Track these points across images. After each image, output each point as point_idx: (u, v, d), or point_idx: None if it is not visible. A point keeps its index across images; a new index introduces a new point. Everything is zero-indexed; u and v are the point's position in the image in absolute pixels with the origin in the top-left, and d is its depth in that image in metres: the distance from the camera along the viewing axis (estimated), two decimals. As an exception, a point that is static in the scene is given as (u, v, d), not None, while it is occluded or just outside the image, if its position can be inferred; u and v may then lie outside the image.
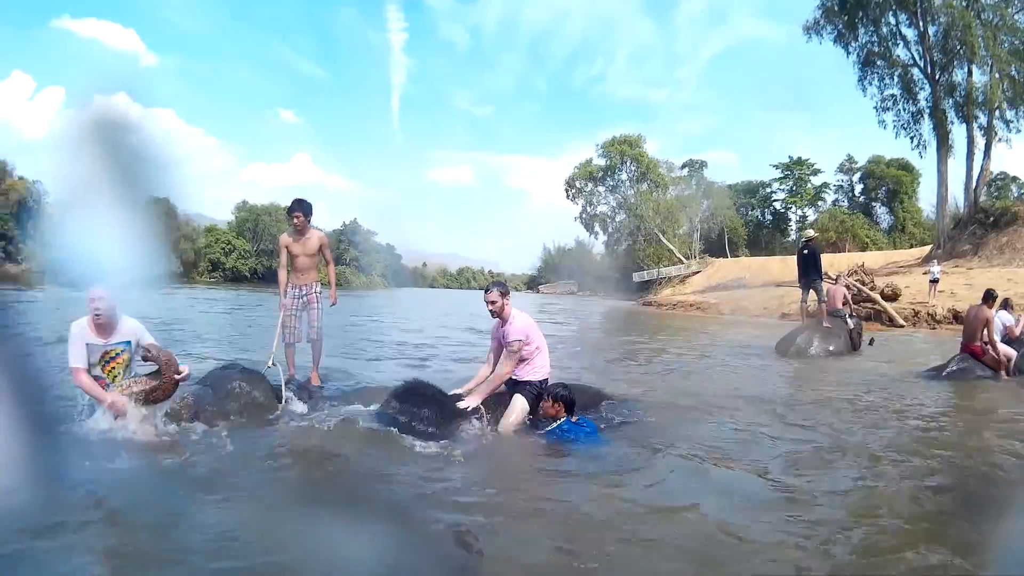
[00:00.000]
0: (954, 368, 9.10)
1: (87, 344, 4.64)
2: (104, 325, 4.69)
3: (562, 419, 5.16)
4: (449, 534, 3.23)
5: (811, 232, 14.64)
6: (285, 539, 3.04)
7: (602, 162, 64.55)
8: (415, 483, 3.99)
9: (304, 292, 7.02)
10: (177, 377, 4.69)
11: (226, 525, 3.19)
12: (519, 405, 5.40)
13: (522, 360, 5.58)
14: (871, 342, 13.41)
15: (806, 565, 2.99)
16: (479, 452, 4.81)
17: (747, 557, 3.06)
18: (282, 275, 7.03)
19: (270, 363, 6.21)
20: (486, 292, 5.61)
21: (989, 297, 9.47)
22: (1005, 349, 9.20)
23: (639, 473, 4.32)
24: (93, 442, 4.32)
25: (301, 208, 6.93)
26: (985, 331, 9.13)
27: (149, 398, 4.62)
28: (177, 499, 3.54)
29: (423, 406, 5.06)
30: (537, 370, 5.61)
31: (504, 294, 5.60)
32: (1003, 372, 9.08)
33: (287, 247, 6.97)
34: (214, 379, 5.42)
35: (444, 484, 3.96)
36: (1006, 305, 10.14)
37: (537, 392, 5.47)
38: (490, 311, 5.61)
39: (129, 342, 4.84)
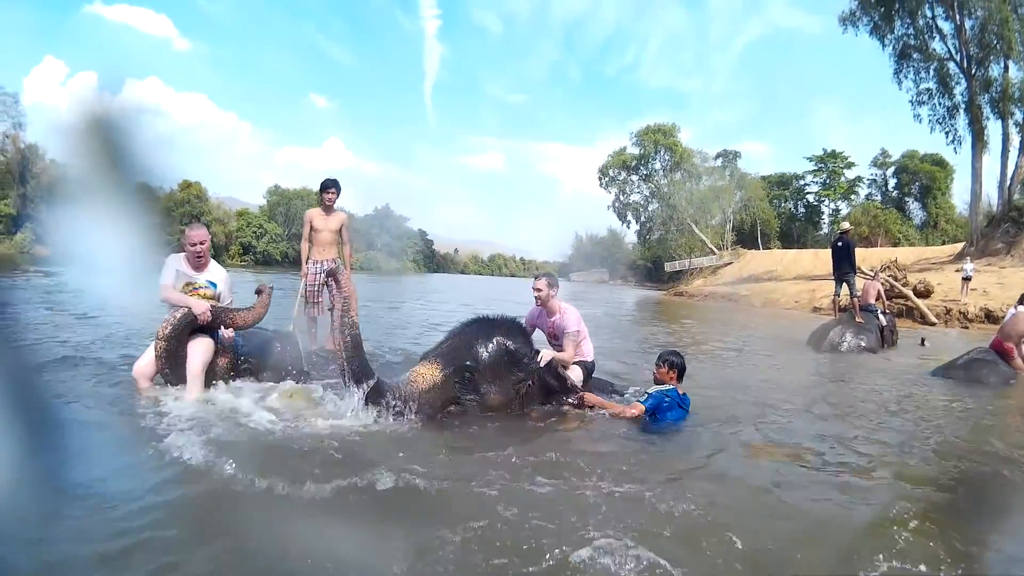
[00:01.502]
0: (974, 357, 8.74)
1: (177, 271, 5.20)
2: (198, 262, 5.30)
3: (671, 387, 5.36)
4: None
5: (846, 224, 14.77)
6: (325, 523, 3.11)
7: (636, 151, 64.75)
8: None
9: (325, 267, 7.48)
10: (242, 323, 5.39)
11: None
12: (575, 375, 5.76)
13: None
14: (923, 342, 13.51)
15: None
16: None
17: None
18: (304, 246, 7.63)
19: (291, 327, 6.95)
20: (535, 279, 6.02)
21: None
22: None
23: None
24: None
25: (336, 186, 7.67)
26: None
27: (224, 317, 5.25)
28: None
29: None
30: (585, 354, 6.05)
31: (552, 285, 5.94)
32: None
33: (311, 221, 7.63)
34: (261, 341, 5.87)
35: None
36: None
37: (586, 373, 5.95)
38: (535, 297, 5.96)
39: (215, 283, 5.38)
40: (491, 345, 5.18)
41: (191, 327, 5.08)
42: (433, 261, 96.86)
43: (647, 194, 65.96)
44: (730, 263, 55.57)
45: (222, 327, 5.30)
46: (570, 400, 5.43)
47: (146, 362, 5.10)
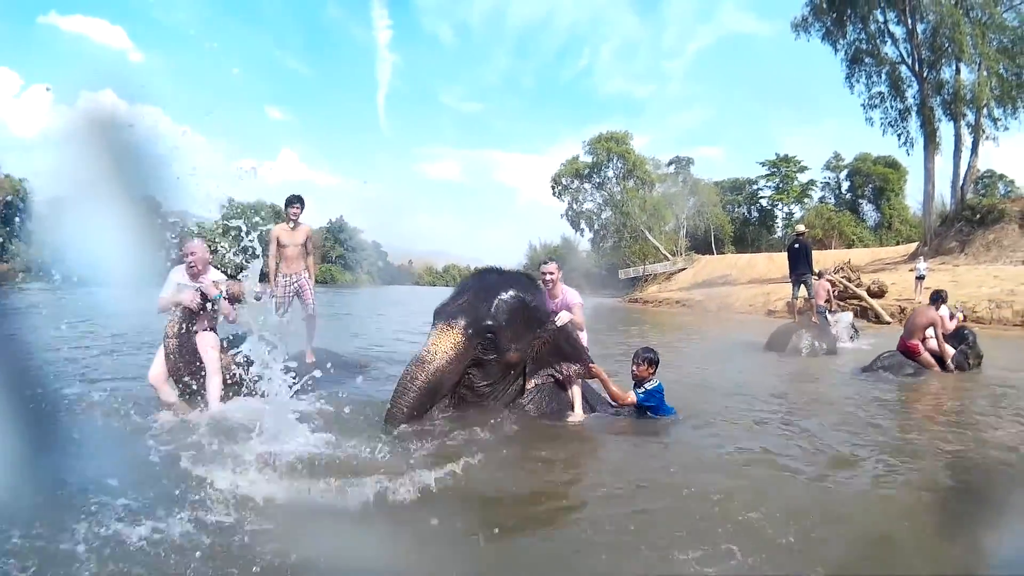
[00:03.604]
0: (886, 363, 9.24)
1: (177, 284, 5.64)
2: (196, 272, 5.70)
3: (653, 382, 5.72)
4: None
5: (801, 227, 14.77)
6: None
7: (588, 159, 64.10)
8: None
9: (294, 279, 7.93)
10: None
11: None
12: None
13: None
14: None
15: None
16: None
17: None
18: (271, 262, 7.82)
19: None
20: (546, 264, 6.15)
21: (938, 299, 9.84)
22: (948, 349, 9.36)
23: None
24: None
25: (300, 201, 7.97)
26: (928, 330, 9.37)
27: (231, 291, 5.73)
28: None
29: None
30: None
31: (559, 268, 6.18)
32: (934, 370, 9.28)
33: (278, 237, 7.89)
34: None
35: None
36: (941, 299, 10.14)
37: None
38: (548, 281, 6.04)
39: (215, 282, 5.72)
40: (511, 300, 5.31)
41: (192, 318, 5.60)
42: (388, 273, 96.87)
43: (600, 202, 65.54)
44: (684, 269, 55.61)
45: (221, 304, 5.64)
46: (577, 368, 5.53)
47: (159, 368, 5.58)
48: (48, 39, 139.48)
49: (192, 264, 5.68)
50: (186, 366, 5.55)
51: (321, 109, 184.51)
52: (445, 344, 5.02)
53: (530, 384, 5.47)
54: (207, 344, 5.63)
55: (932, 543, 3.46)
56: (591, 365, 5.58)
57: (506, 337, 5.17)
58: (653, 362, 5.70)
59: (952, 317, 9.98)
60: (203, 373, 5.56)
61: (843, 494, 4.05)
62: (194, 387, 5.54)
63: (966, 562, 3.28)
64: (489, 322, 5.12)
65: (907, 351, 9.35)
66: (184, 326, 5.56)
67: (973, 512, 3.98)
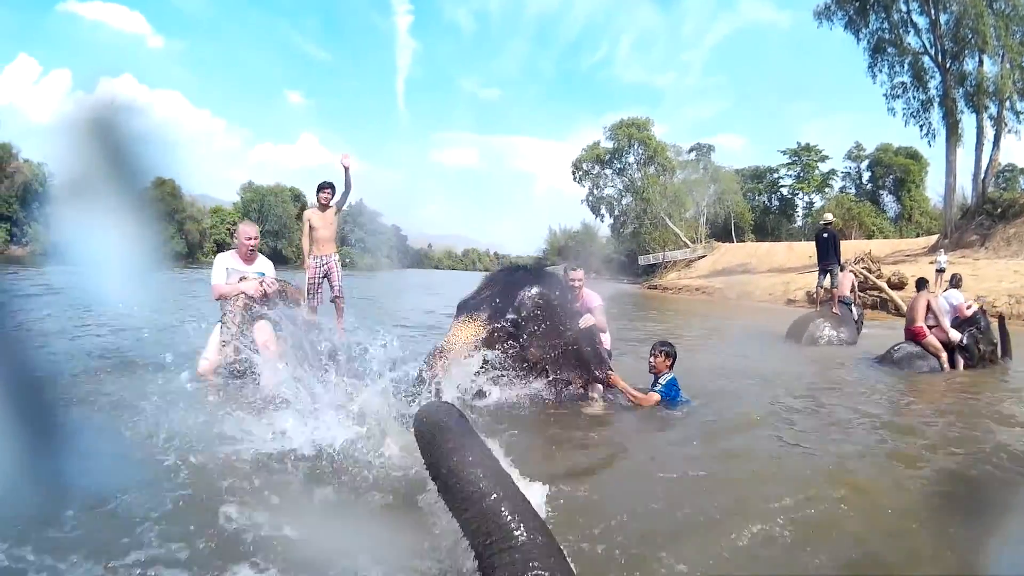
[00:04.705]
0: (898, 356, 9.32)
1: (227, 268, 5.87)
2: (249, 255, 6.00)
3: (669, 375, 5.82)
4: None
5: (830, 216, 14.61)
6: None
7: (609, 145, 64.11)
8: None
9: (324, 261, 8.35)
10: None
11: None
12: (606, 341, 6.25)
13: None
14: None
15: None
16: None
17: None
18: (305, 243, 8.33)
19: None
20: (572, 271, 6.36)
21: (923, 284, 10.08)
22: (954, 334, 9.28)
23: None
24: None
25: (331, 186, 8.36)
26: (929, 315, 9.36)
27: (278, 291, 5.97)
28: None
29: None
30: (604, 343, 6.27)
31: (586, 274, 6.42)
32: (943, 362, 9.19)
33: (309, 220, 8.32)
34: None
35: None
36: (956, 283, 10.34)
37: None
38: (574, 286, 6.19)
39: (263, 272, 6.03)
40: (535, 296, 5.38)
41: (251, 309, 5.75)
42: (407, 257, 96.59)
43: (621, 188, 65.44)
44: (704, 256, 55.54)
45: (276, 300, 5.90)
46: (598, 374, 5.64)
47: (210, 360, 5.62)
48: (68, 26, 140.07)
49: (253, 248, 6.00)
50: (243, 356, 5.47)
51: (341, 95, 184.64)
52: (465, 335, 5.14)
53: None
54: (265, 332, 5.71)
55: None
56: (610, 374, 5.74)
57: (528, 332, 5.26)
58: (671, 355, 5.85)
59: (969, 307, 9.81)
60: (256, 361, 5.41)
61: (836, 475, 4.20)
62: (250, 373, 5.45)
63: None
64: (511, 316, 5.23)
65: (913, 335, 9.40)
66: (243, 315, 5.70)
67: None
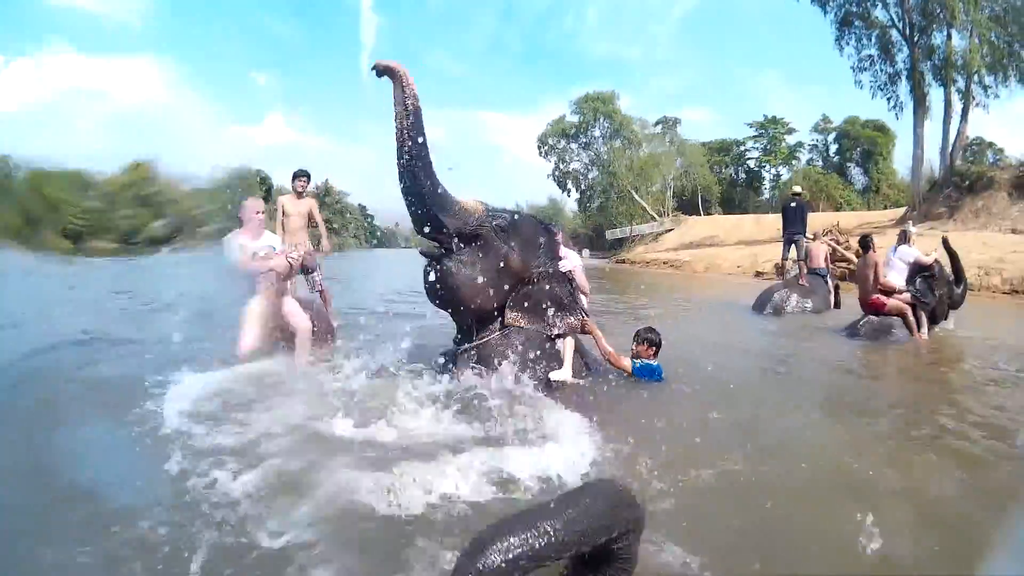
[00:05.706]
0: (865, 330, 9.30)
1: (239, 245, 5.76)
2: (256, 230, 5.94)
3: (653, 362, 5.71)
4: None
5: (798, 188, 14.99)
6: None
7: (575, 119, 63.73)
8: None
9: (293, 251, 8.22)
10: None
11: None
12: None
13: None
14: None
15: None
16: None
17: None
18: (276, 229, 8.10)
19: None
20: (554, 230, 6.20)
21: (866, 245, 9.80)
22: (899, 284, 9.30)
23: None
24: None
25: (307, 175, 8.70)
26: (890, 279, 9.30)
27: (302, 260, 6.32)
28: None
29: None
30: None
31: (562, 234, 6.17)
32: (915, 330, 9.14)
33: (283, 206, 8.49)
34: None
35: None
36: (905, 239, 9.88)
37: None
38: (557, 241, 6.04)
39: (274, 247, 5.98)
40: (528, 218, 5.68)
41: (276, 282, 5.78)
42: (375, 236, 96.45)
43: (587, 162, 65.33)
44: (671, 230, 55.34)
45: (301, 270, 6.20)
46: (572, 319, 5.45)
47: (251, 338, 5.57)
48: (36, 9, 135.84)
49: (261, 224, 6.02)
50: (278, 330, 5.78)
51: (307, 73, 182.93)
52: (471, 205, 5.22)
53: (508, 316, 5.33)
54: (294, 309, 5.88)
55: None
56: (585, 319, 5.55)
57: (515, 239, 5.29)
58: (654, 343, 5.74)
59: (928, 255, 9.64)
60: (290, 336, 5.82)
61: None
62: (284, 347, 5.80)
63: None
64: (501, 223, 5.25)
65: (872, 308, 9.29)
66: (272, 292, 5.79)
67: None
